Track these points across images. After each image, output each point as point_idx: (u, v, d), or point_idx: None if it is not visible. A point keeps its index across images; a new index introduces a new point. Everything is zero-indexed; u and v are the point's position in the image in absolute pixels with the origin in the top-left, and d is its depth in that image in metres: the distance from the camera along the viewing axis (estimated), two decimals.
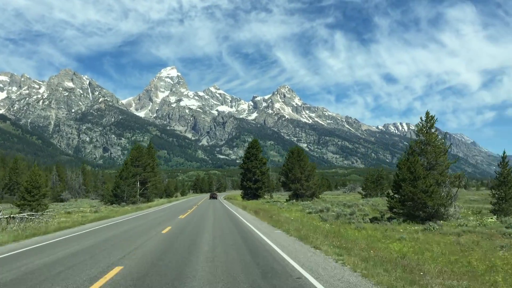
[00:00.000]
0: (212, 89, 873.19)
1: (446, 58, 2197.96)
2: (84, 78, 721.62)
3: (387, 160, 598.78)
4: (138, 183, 62.68)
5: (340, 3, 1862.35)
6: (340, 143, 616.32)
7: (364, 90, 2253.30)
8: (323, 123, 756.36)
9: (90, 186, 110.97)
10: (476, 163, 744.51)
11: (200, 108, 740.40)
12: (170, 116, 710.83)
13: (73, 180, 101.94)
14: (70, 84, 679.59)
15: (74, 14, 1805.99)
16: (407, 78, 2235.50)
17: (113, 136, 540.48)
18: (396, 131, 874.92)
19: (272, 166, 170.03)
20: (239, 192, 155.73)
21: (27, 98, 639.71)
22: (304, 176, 52.95)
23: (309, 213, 30.98)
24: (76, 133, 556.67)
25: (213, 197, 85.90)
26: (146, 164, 63.71)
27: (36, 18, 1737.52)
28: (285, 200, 54.71)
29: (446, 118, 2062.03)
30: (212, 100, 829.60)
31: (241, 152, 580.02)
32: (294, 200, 49.61)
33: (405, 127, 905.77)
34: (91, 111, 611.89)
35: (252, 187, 67.88)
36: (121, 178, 58.29)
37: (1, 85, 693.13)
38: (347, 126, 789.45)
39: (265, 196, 71.69)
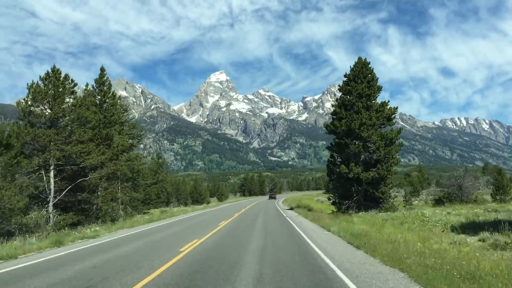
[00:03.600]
0: (261, 91, 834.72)
1: (508, 48, 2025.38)
2: (136, 86, 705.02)
3: (447, 157, 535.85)
4: (52, 172, 21.22)
5: None
6: None
7: (419, 86, 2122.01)
8: None
9: None
10: None
11: (250, 111, 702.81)
12: (220, 120, 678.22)
13: None
14: (124, 93, 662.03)
15: (129, 25, 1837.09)
16: (466, 71, 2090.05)
17: (166, 142, 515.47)
18: (454, 126, 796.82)
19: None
20: (299, 195, 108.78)
21: None
22: None
23: None
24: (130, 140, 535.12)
25: (272, 197, 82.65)
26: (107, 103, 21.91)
27: (93, 31, 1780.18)
28: None
29: (509, 111, 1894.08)
30: (261, 102, 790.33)
31: (293, 154, 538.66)
32: None
33: (464, 122, 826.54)
34: (144, 118, 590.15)
35: (362, 177, 24.67)
36: None
37: None
38: (401, 123, 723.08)
39: (390, 201, 27.62)
